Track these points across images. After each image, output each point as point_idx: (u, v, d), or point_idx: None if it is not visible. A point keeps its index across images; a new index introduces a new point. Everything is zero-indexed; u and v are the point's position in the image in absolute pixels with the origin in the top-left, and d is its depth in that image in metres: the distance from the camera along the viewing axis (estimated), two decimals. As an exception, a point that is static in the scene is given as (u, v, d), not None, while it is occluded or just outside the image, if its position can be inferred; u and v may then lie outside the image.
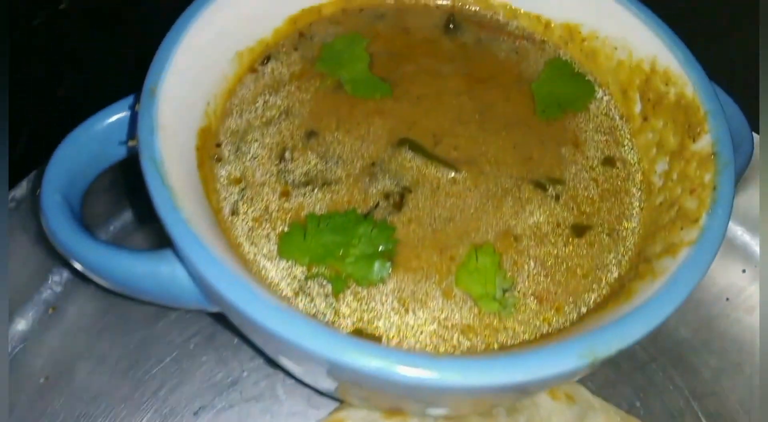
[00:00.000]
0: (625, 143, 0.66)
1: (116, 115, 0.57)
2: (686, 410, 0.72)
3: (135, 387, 0.67)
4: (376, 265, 0.55)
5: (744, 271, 0.83)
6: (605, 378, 0.72)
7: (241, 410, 0.67)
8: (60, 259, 0.71)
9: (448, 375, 0.41)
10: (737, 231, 0.84)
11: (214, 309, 0.53)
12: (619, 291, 0.53)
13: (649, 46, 0.64)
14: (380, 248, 0.56)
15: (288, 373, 0.67)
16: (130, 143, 0.55)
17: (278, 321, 0.43)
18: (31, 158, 0.68)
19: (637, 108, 0.66)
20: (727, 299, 0.81)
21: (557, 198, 0.61)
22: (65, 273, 0.73)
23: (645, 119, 0.65)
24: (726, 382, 0.75)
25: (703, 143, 0.57)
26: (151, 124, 0.51)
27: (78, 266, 0.53)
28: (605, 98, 0.69)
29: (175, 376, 0.69)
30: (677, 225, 0.54)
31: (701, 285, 0.79)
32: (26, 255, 0.71)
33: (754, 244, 0.84)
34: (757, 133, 0.76)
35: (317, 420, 0.66)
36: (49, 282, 0.73)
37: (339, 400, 0.66)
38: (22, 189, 0.71)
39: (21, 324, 0.70)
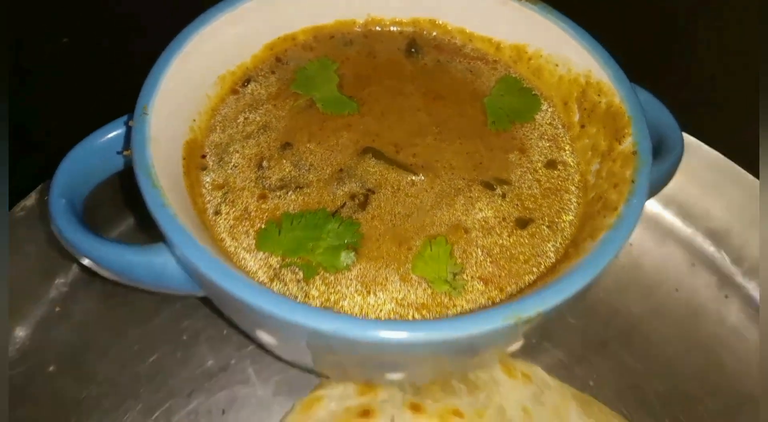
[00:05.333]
0: (566, 148, 0.74)
1: (114, 132, 0.65)
2: (639, 388, 0.79)
3: (135, 374, 0.75)
4: (343, 255, 0.63)
5: (693, 265, 0.90)
6: (559, 360, 0.79)
7: (229, 392, 0.74)
8: (65, 262, 0.80)
9: (393, 332, 0.49)
10: (683, 227, 0.92)
11: (201, 293, 0.61)
12: (550, 270, 0.61)
13: (584, 62, 0.73)
14: (346, 241, 0.64)
15: (271, 357, 0.75)
16: (125, 153, 0.64)
17: (254, 295, 0.51)
18: (41, 171, 0.77)
19: (576, 117, 0.74)
20: (677, 290, 0.88)
21: (504, 196, 0.69)
22: (70, 276, 0.81)
23: (582, 126, 0.73)
24: (677, 364, 0.82)
25: (627, 144, 0.65)
26: (143, 137, 0.59)
27: (82, 259, 0.61)
28: (549, 110, 0.77)
29: (170, 364, 0.76)
30: (602, 214, 0.62)
31: (652, 276, 0.88)
32: (33, 259, 0.79)
33: (700, 240, 0.92)
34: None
35: (299, 398, 0.73)
36: (55, 283, 0.81)
37: (319, 378, 0.74)
38: (30, 199, 0.80)
39: (30, 321, 0.78)
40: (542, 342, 0.80)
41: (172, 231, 0.54)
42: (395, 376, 0.62)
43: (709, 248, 0.91)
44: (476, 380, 0.75)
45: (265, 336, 0.59)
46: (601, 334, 0.82)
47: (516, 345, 0.61)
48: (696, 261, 0.91)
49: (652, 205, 0.93)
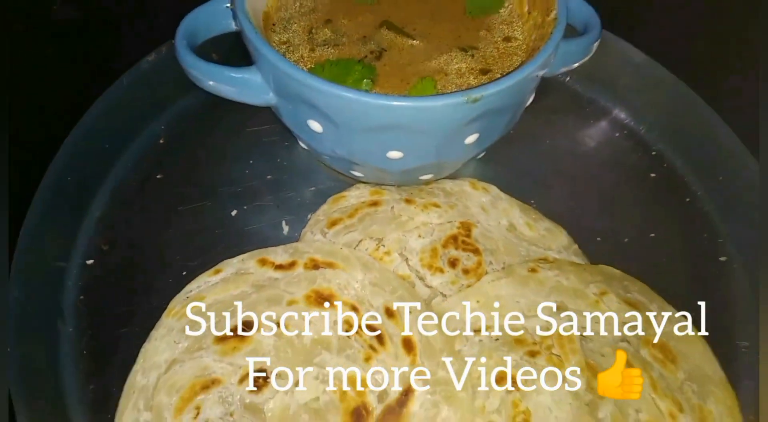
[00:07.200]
0: (518, 29, 1.08)
1: (221, 5, 1.00)
2: (572, 200, 1.13)
3: (212, 180, 1.12)
4: (364, 82, 0.97)
5: (617, 134, 1.24)
6: (505, 183, 1.13)
7: (282, 194, 1.11)
8: (165, 109, 1.16)
9: (385, 99, 0.83)
10: (614, 109, 1.27)
11: (273, 101, 0.96)
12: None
13: (532, -30, 1.07)
14: (366, 77, 0.99)
15: (313, 174, 1.11)
16: (231, 6, 0.99)
17: (318, 80, 0.85)
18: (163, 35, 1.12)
19: (526, 8, 1.08)
20: (604, 148, 1.22)
21: (473, 56, 1.03)
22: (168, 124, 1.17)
23: (529, 13, 1.07)
24: (602, 202, 1.15)
25: (552, 15, 0.99)
26: (241, -4, 0.95)
27: (194, 74, 0.95)
28: (509, 6, 1.11)
29: (240, 178, 1.12)
30: (532, 57, 0.96)
31: (583, 140, 1.22)
32: (141, 103, 1.15)
33: (623, 115, 1.26)
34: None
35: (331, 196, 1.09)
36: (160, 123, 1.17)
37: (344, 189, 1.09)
38: (151, 57, 1.16)
39: (133, 154, 1.14)
40: (496, 173, 1.14)
41: (263, 48, 0.88)
42: (396, 155, 0.95)
43: (630, 122, 1.25)
44: (450, 190, 1.10)
45: (314, 126, 0.93)
46: (541, 175, 1.16)
47: (472, 137, 0.95)
48: (619, 130, 1.24)
49: (589, 91, 1.28)
